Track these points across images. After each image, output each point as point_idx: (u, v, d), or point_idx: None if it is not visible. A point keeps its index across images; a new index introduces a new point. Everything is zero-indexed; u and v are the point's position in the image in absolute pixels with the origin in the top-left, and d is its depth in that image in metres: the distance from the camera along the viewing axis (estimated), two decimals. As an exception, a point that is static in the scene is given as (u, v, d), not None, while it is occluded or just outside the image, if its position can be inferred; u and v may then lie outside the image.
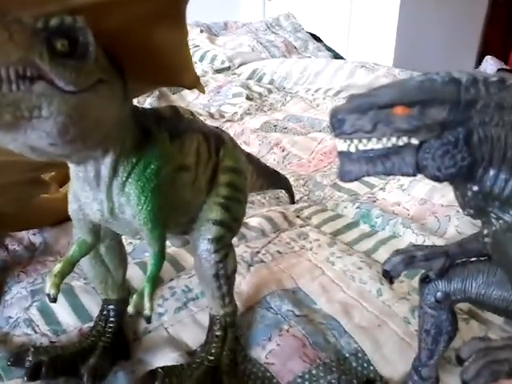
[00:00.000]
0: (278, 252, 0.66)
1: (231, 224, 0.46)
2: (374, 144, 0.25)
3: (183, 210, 0.44)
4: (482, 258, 0.34)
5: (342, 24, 2.29)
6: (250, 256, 0.64)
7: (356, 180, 0.26)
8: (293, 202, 0.84)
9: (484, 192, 0.26)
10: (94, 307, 0.56)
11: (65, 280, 0.59)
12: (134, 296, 0.39)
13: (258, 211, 0.78)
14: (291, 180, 0.86)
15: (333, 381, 0.43)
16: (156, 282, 0.40)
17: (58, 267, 0.41)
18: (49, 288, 0.40)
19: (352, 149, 0.26)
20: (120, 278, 0.51)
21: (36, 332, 0.54)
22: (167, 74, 0.44)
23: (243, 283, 0.59)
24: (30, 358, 0.47)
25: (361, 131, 0.25)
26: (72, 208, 0.41)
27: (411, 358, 0.41)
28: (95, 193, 0.38)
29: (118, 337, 0.51)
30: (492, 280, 0.32)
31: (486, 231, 0.28)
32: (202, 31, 1.88)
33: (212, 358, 0.47)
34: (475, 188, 0.26)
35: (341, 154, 0.27)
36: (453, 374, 0.44)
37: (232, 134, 0.65)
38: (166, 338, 0.54)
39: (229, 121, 1.20)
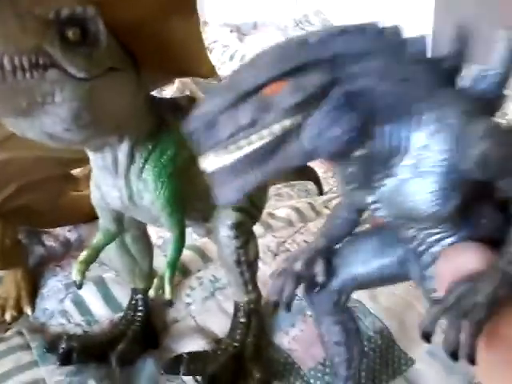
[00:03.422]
0: (305, 241, 0.65)
1: (251, 210, 0.47)
2: (254, 143, 0.21)
3: (201, 196, 0.44)
4: (347, 238, 0.32)
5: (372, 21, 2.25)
6: (276, 246, 0.64)
7: (244, 195, 0.22)
8: (321, 193, 0.83)
9: (368, 153, 0.22)
10: (124, 298, 0.57)
11: (97, 272, 0.62)
12: (155, 280, 0.40)
13: (286, 203, 0.78)
14: (320, 172, 0.86)
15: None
16: (176, 266, 0.41)
17: (83, 255, 0.42)
18: (75, 275, 0.41)
19: (229, 160, 0.21)
20: (147, 268, 0.52)
21: (70, 322, 0.56)
22: (182, 64, 0.44)
23: (268, 272, 0.59)
24: (63, 346, 0.48)
25: (240, 130, 0.20)
26: (94, 197, 0.43)
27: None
28: (114, 180, 0.40)
29: (146, 325, 0.52)
30: (369, 252, 0.31)
31: (371, 199, 0.25)
32: (231, 31, 1.90)
33: (236, 344, 0.48)
34: (360, 152, 0.22)
35: (214, 173, 0.21)
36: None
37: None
38: (193, 327, 0.54)
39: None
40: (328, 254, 0.32)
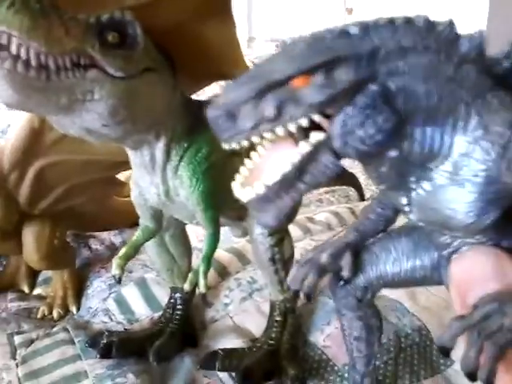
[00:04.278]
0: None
1: (285, 208, 0.47)
2: (279, 135, 0.20)
3: (236, 194, 0.46)
4: (379, 236, 0.31)
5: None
6: (314, 248, 0.64)
7: (283, 219, 0.21)
8: (362, 199, 0.83)
9: (404, 154, 0.21)
10: (164, 298, 0.59)
11: (138, 273, 0.64)
12: (190, 274, 0.42)
13: (326, 208, 0.78)
14: (361, 178, 0.85)
15: (389, 361, 0.42)
16: (210, 261, 0.42)
17: (122, 251, 0.44)
18: (114, 269, 0.43)
19: (261, 189, 0.20)
20: (185, 267, 0.54)
21: (112, 320, 0.58)
22: (218, 67, 0.46)
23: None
24: (104, 341, 0.50)
25: (263, 122, 0.20)
26: (134, 194, 0.45)
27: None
28: (152, 177, 0.41)
29: (184, 323, 0.54)
30: (401, 253, 0.29)
31: (405, 201, 0.24)
32: (277, 46, 1.93)
33: (272, 342, 0.48)
34: (394, 153, 0.21)
35: (251, 203, 0.21)
36: None
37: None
38: (231, 327, 0.55)
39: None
40: (357, 248, 0.31)
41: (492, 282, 0.21)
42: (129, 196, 0.70)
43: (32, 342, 0.55)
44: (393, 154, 0.21)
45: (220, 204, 0.43)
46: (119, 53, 0.34)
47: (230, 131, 0.20)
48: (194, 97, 0.46)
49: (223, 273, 0.63)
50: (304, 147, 0.20)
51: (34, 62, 0.30)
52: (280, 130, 0.20)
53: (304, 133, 0.21)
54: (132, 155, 0.41)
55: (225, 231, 0.61)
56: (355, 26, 0.20)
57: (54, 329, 0.57)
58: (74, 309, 0.62)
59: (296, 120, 0.20)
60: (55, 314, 0.61)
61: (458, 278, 0.23)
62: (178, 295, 0.54)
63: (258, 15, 2.10)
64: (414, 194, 0.23)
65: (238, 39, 0.46)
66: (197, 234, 0.66)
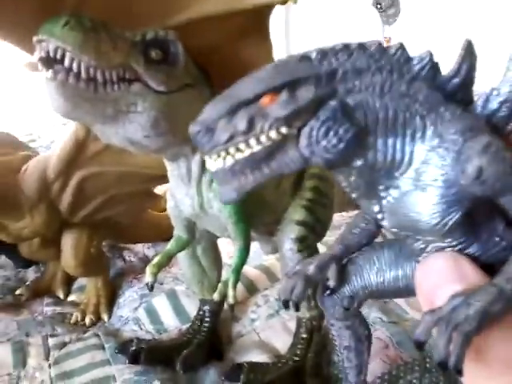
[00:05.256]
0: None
1: (315, 225, 0.48)
2: (253, 147, 0.22)
3: (267, 209, 0.47)
4: (364, 248, 0.32)
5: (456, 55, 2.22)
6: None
7: (243, 195, 0.23)
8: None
9: (369, 164, 0.23)
10: (193, 310, 0.60)
11: (169, 285, 0.66)
12: (219, 285, 0.43)
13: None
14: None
15: (414, 380, 0.42)
16: (239, 273, 0.43)
17: (156, 259, 0.46)
18: (147, 276, 0.44)
19: (229, 161, 0.22)
20: (215, 279, 0.55)
21: (141, 329, 0.60)
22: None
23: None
24: (133, 347, 0.52)
25: (237, 135, 0.22)
26: (170, 205, 0.46)
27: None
28: (187, 188, 0.43)
29: (211, 335, 0.55)
30: (383, 263, 0.30)
31: (377, 208, 0.25)
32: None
33: (297, 358, 0.49)
34: (359, 163, 0.23)
35: (217, 173, 0.23)
36: None
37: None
38: (256, 342, 0.56)
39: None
40: (342, 261, 0.33)
41: (454, 285, 0.22)
42: (164, 210, 0.73)
43: (65, 344, 0.57)
44: (358, 163, 0.23)
45: (251, 218, 0.44)
46: (162, 69, 0.36)
47: (209, 144, 0.22)
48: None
49: (251, 289, 0.64)
50: (277, 136, 0.22)
51: (84, 75, 0.33)
52: (253, 142, 0.22)
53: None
54: (170, 166, 0.43)
55: (255, 249, 0.62)
56: (315, 51, 0.23)
57: (86, 334, 0.59)
58: (105, 316, 0.64)
59: (266, 132, 0.22)
60: (87, 321, 0.63)
61: (421, 283, 0.25)
62: (206, 308, 0.55)
63: (296, 40, 2.14)
64: (384, 201, 0.25)
65: (274, 59, 0.48)
66: (227, 251, 0.68)
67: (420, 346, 0.22)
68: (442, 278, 0.23)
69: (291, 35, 2.16)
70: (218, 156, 0.22)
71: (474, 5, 1.84)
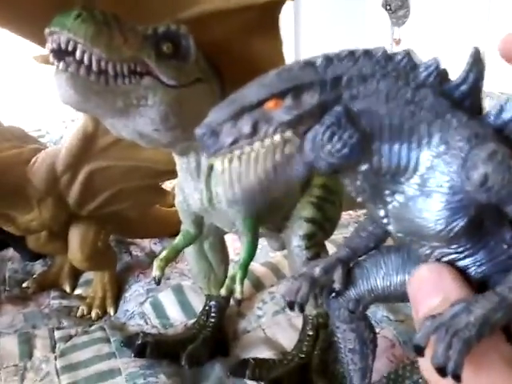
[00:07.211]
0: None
1: (323, 223, 0.48)
2: (258, 150, 0.22)
3: (275, 206, 0.47)
4: (371, 252, 0.31)
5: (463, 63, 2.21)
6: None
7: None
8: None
9: (374, 168, 0.23)
10: (199, 305, 0.60)
11: (176, 280, 0.66)
12: (227, 280, 0.43)
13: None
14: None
15: (420, 380, 0.42)
16: (247, 269, 0.43)
17: (163, 253, 0.46)
18: (154, 270, 0.44)
19: (236, 164, 0.22)
20: (222, 275, 0.55)
21: (147, 324, 0.60)
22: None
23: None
24: (139, 341, 0.52)
25: (241, 138, 0.22)
26: (178, 199, 0.46)
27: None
28: (196, 183, 0.43)
29: (217, 331, 0.55)
30: (391, 268, 0.30)
31: (382, 213, 0.25)
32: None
33: (303, 355, 0.48)
34: (364, 167, 0.23)
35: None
36: None
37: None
38: (262, 339, 0.56)
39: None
40: (349, 264, 0.32)
41: (431, 299, 0.23)
42: (172, 206, 0.73)
43: (71, 337, 0.57)
44: (363, 167, 0.23)
45: (259, 213, 0.44)
46: (173, 63, 0.36)
47: (214, 146, 0.23)
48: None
49: (258, 285, 0.64)
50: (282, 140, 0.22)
51: (94, 67, 0.33)
52: (257, 145, 0.22)
53: None
54: (179, 161, 0.43)
55: (262, 246, 0.62)
56: (320, 57, 0.23)
57: (92, 327, 0.59)
58: (111, 310, 0.64)
59: (270, 136, 0.22)
60: (93, 314, 0.63)
61: (409, 293, 0.25)
62: (212, 303, 0.56)
63: (305, 40, 2.13)
64: (390, 206, 0.25)
65: (283, 55, 0.48)
66: (234, 247, 0.68)
67: (419, 351, 0.21)
68: (421, 291, 0.24)
69: (301, 35, 2.16)
70: (224, 158, 0.22)
71: (482, 6, 1.83)
